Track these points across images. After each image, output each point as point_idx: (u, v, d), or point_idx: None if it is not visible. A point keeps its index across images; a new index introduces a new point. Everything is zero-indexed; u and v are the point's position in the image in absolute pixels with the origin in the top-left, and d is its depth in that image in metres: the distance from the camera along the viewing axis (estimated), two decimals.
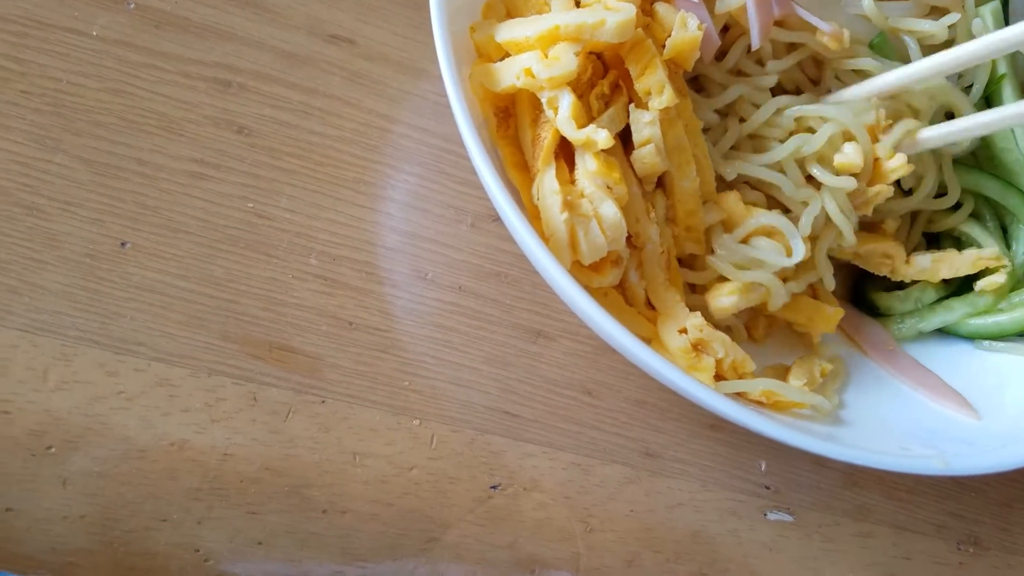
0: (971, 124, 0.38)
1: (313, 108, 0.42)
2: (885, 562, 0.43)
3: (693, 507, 0.40)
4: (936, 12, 0.43)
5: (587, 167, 0.35)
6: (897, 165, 0.40)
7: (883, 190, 0.40)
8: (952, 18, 0.42)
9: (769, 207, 0.40)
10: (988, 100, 0.44)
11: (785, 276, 0.40)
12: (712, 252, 0.39)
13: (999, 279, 0.42)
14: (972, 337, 0.44)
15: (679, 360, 0.36)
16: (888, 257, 0.43)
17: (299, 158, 0.41)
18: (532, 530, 0.38)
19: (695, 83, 0.42)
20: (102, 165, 0.39)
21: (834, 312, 0.41)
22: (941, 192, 0.45)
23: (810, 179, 0.40)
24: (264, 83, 0.42)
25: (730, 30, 0.41)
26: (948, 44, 0.42)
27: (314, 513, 0.36)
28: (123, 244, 0.38)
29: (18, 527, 0.33)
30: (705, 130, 0.40)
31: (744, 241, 0.39)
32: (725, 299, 0.38)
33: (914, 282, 0.44)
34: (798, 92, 0.43)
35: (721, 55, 0.41)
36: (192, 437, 0.36)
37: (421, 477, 0.38)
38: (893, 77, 0.39)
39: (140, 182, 0.39)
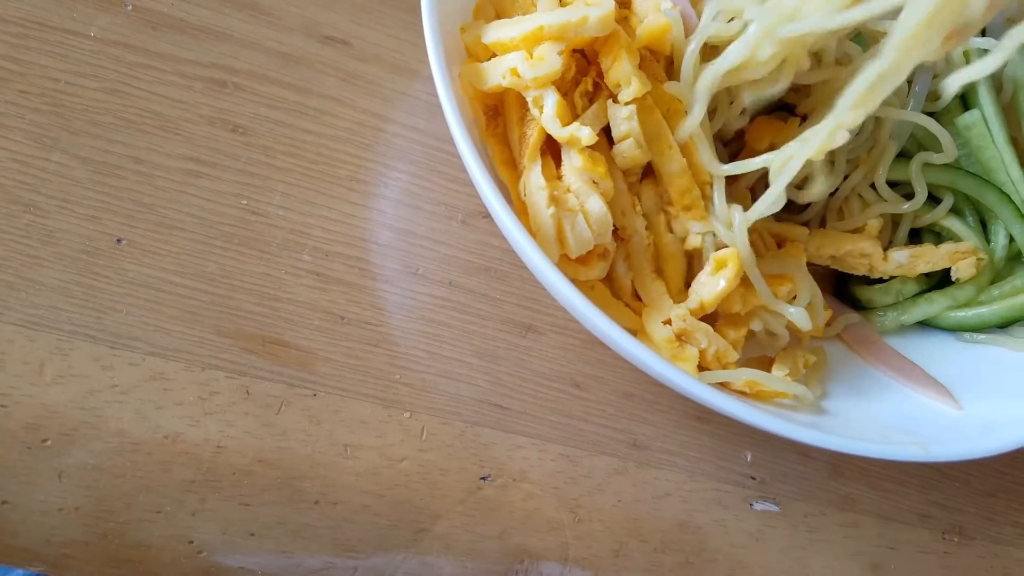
0: None
1: (308, 108, 0.42)
2: (870, 552, 0.43)
3: (680, 497, 0.40)
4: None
5: (573, 163, 0.35)
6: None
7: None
8: None
9: None
10: (964, 99, 0.44)
11: None
12: None
13: (970, 266, 0.42)
14: (953, 329, 0.44)
15: (663, 350, 0.36)
16: (865, 256, 0.43)
17: (293, 156, 0.41)
18: (521, 521, 0.38)
19: None
20: (99, 163, 0.39)
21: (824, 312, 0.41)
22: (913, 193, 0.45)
23: None
24: (259, 83, 0.42)
25: None
26: None
27: (306, 505, 0.36)
28: (119, 241, 0.38)
29: (13, 519, 0.33)
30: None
31: None
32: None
33: (894, 276, 0.44)
34: None
35: None
36: (186, 430, 0.36)
37: (411, 469, 0.38)
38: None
39: (136, 180, 0.39)
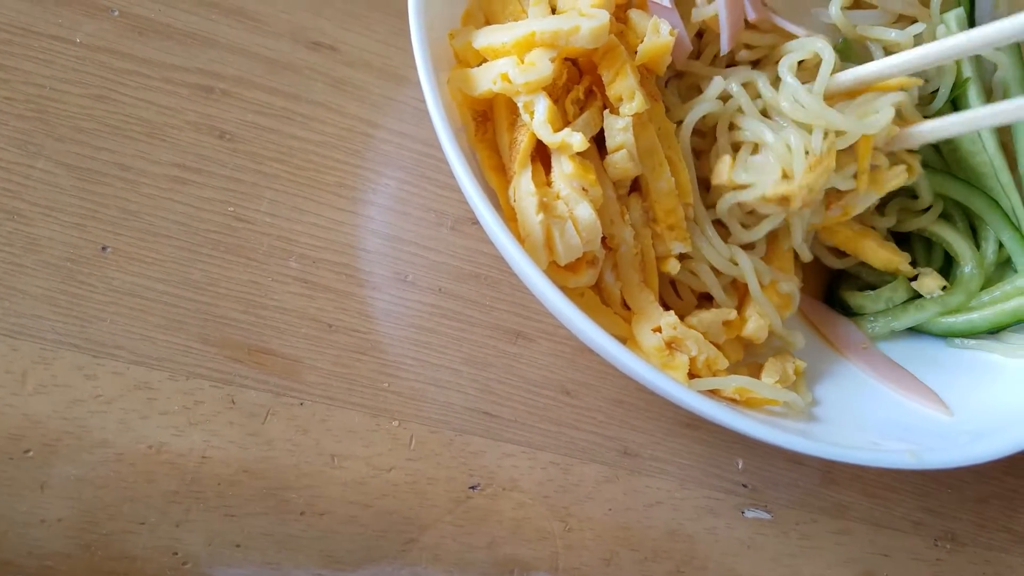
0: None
1: (295, 114, 0.42)
2: (863, 559, 0.42)
3: (671, 505, 0.40)
4: (903, 20, 0.43)
5: (563, 169, 0.34)
6: (897, 175, 0.40)
7: (869, 199, 0.40)
8: (918, 27, 0.41)
9: None
10: (955, 103, 0.44)
11: None
12: None
13: (931, 284, 0.43)
14: (944, 335, 0.44)
15: (653, 358, 0.35)
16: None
17: (281, 163, 0.40)
18: (511, 530, 0.37)
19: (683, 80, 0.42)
20: (84, 170, 0.38)
21: None
22: (912, 196, 0.45)
23: None
24: (247, 89, 0.41)
25: (704, 34, 0.41)
26: None
27: (292, 515, 0.35)
28: (104, 248, 0.37)
29: None
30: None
31: None
32: None
33: (885, 282, 0.44)
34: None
35: (697, 59, 0.41)
36: (170, 440, 0.35)
37: (399, 478, 0.37)
38: (852, 75, 0.39)
39: (122, 187, 0.38)
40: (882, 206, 0.45)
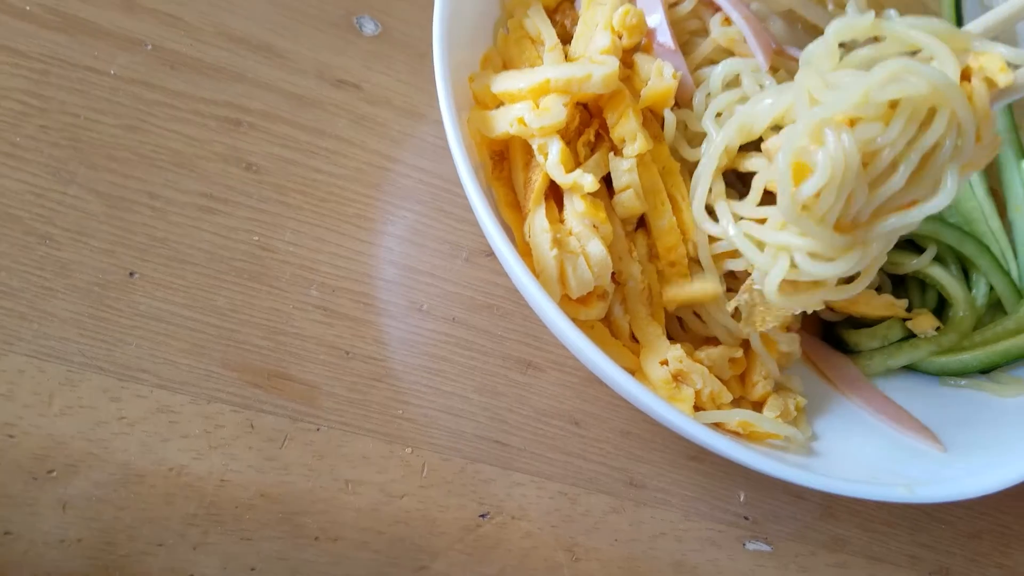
0: None
1: (319, 147, 0.43)
2: None
3: (675, 537, 0.40)
4: None
5: (575, 208, 0.36)
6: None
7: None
8: None
9: None
10: None
11: None
12: None
13: (925, 324, 0.44)
14: (938, 374, 0.45)
15: (660, 390, 0.36)
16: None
17: (304, 194, 0.41)
18: (519, 559, 0.38)
19: None
20: (115, 198, 0.39)
21: None
22: (908, 240, 0.46)
23: None
24: (273, 123, 0.43)
25: None
26: None
27: (306, 540, 0.36)
28: (132, 274, 0.38)
29: (16, 550, 0.32)
30: None
31: None
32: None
33: (881, 320, 0.45)
34: None
35: None
36: (190, 463, 0.35)
37: (412, 505, 0.37)
38: None
39: (150, 215, 0.39)
40: None
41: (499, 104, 0.38)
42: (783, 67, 0.40)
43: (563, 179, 0.36)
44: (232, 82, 0.43)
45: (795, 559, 0.42)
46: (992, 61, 0.30)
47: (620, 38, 0.38)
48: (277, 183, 0.41)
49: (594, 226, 0.36)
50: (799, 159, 0.31)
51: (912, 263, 0.46)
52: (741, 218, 0.36)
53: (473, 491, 0.38)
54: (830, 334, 0.47)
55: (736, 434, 0.38)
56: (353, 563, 0.36)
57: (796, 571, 0.41)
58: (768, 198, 0.35)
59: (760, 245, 0.35)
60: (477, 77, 0.39)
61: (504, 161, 0.39)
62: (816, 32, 0.41)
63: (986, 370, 0.44)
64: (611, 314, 0.38)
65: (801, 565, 0.42)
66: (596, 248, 0.36)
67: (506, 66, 0.40)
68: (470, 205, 0.34)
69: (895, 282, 0.47)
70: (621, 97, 0.37)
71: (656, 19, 0.39)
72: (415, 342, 0.40)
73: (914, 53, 0.32)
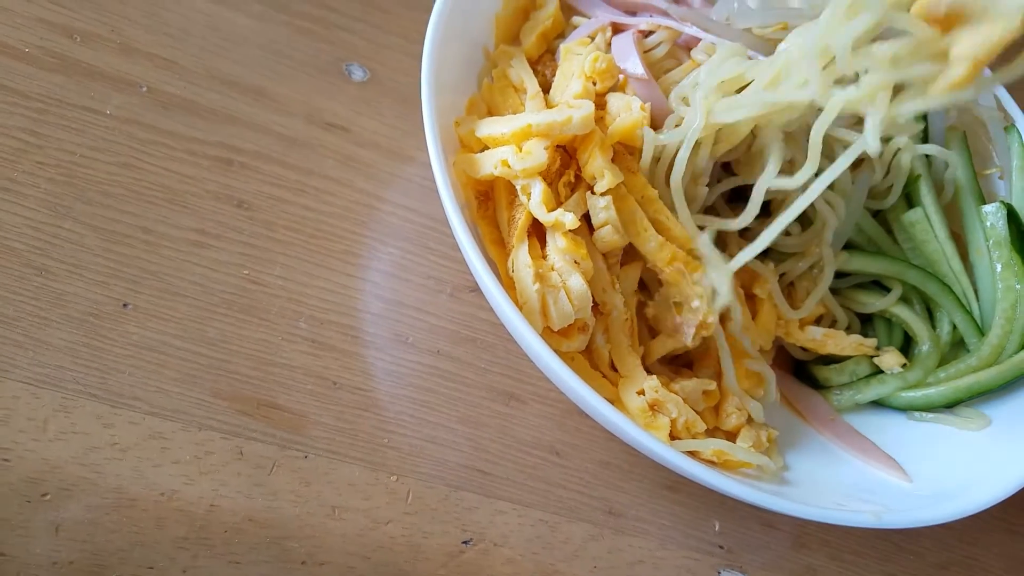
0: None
1: (308, 186, 0.48)
2: None
3: (652, 564, 0.44)
4: (861, 122, 0.51)
5: (557, 244, 0.41)
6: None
7: None
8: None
9: None
10: (908, 198, 0.52)
11: None
12: None
13: (892, 360, 0.49)
14: (904, 409, 0.50)
15: (638, 419, 0.41)
16: (782, 319, 0.49)
17: (293, 231, 0.46)
18: None
19: None
20: (109, 232, 0.43)
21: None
22: (874, 280, 0.52)
23: None
24: (264, 163, 0.48)
25: None
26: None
27: (293, 564, 0.39)
28: (125, 305, 0.42)
29: (9, 572, 0.35)
30: None
31: None
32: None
33: (849, 356, 0.50)
34: None
35: None
36: (181, 488, 0.39)
37: (396, 531, 0.41)
38: None
39: (144, 249, 0.43)
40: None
41: (484, 147, 0.44)
42: None
43: (545, 217, 0.41)
44: (224, 123, 0.48)
45: None
46: None
47: (594, 84, 0.44)
48: (267, 220, 0.46)
49: (575, 261, 0.41)
50: None
51: (878, 303, 0.52)
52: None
53: (456, 518, 0.42)
54: (801, 371, 0.52)
55: (711, 463, 0.42)
56: None
57: None
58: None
59: None
60: (463, 122, 0.45)
61: (488, 200, 0.45)
62: None
63: (950, 405, 0.49)
64: (593, 343, 0.43)
65: None
66: (577, 282, 0.41)
67: (490, 112, 0.46)
68: (456, 242, 0.39)
69: (862, 320, 0.53)
70: (591, 137, 0.43)
71: (631, 63, 0.45)
72: (400, 373, 0.45)
73: None
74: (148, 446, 0.39)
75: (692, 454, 0.42)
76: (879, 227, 0.53)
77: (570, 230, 0.41)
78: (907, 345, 0.52)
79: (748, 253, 0.37)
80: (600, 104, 0.45)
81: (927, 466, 0.46)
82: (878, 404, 0.51)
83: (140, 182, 0.45)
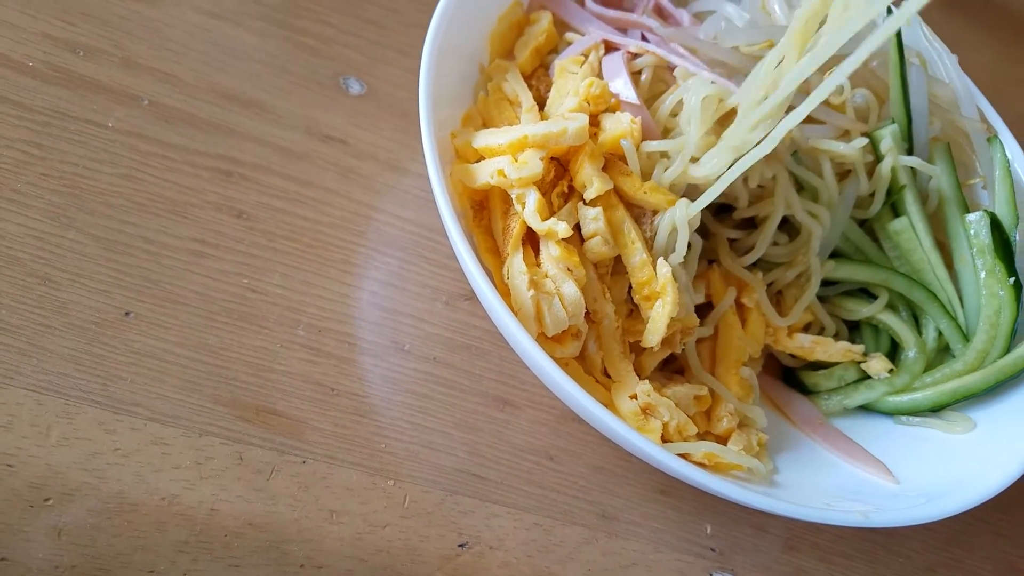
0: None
1: (307, 197, 0.49)
2: None
3: (645, 567, 0.45)
4: (848, 135, 0.53)
5: (551, 252, 0.42)
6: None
7: None
8: (861, 142, 0.51)
9: None
10: (894, 207, 0.53)
11: None
12: None
13: (879, 366, 0.51)
14: (892, 413, 0.51)
15: (630, 422, 0.42)
16: (771, 327, 0.50)
17: (292, 240, 0.47)
18: None
19: None
20: (111, 242, 0.44)
21: None
22: (862, 288, 0.53)
23: None
24: (263, 174, 0.49)
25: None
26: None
27: (292, 568, 0.40)
28: (127, 313, 0.43)
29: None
30: None
31: None
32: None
33: (837, 362, 0.51)
34: None
35: None
36: (182, 492, 0.40)
37: (393, 535, 0.42)
38: None
39: (145, 258, 0.44)
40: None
41: (480, 158, 0.45)
42: None
43: (539, 226, 0.42)
44: (224, 136, 0.49)
45: None
46: None
47: (588, 104, 0.45)
48: (266, 230, 0.47)
49: (568, 269, 0.42)
50: None
51: (865, 310, 0.53)
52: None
53: (452, 522, 0.43)
54: (790, 376, 0.54)
55: (702, 465, 0.43)
56: None
57: None
58: None
59: None
60: (459, 134, 0.46)
61: (484, 210, 0.46)
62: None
63: (936, 409, 0.51)
64: (586, 350, 0.44)
65: None
66: (570, 289, 0.42)
67: (485, 124, 0.47)
68: (452, 250, 0.40)
69: (850, 327, 0.54)
70: (582, 148, 0.44)
71: (620, 83, 0.46)
72: (397, 380, 0.46)
73: None
74: (149, 451, 0.40)
75: (683, 456, 0.43)
76: (865, 236, 0.54)
77: (563, 239, 0.42)
78: (894, 351, 0.54)
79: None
80: (594, 123, 0.46)
81: (913, 468, 0.47)
82: (866, 408, 0.52)
83: (142, 193, 0.46)
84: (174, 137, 0.48)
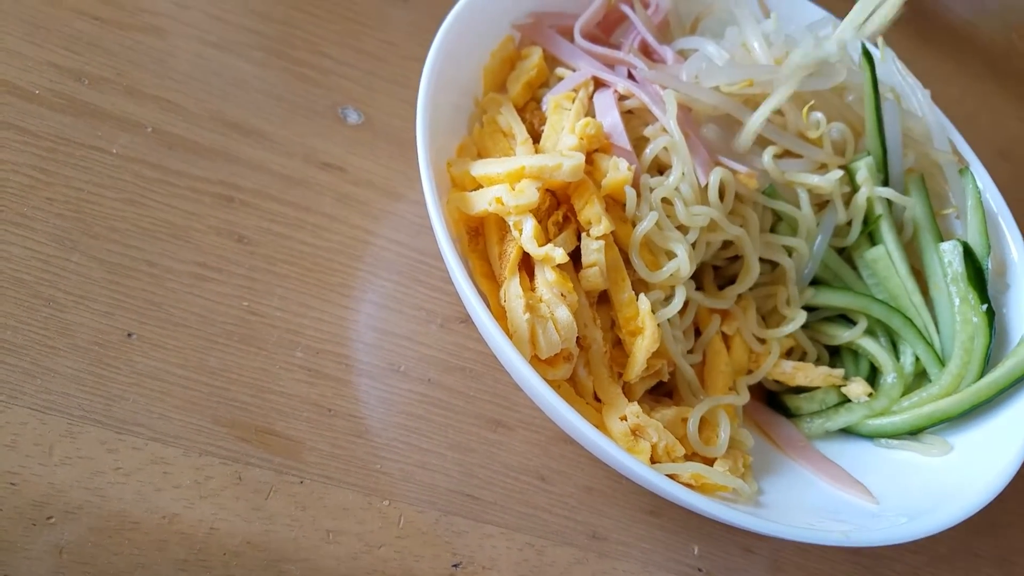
0: None
1: (306, 223, 0.50)
2: None
3: None
4: (825, 168, 0.55)
5: (546, 278, 0.44)
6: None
7: None
8: (836, 174, 0.53)
9: None
10: (871, 236, 0.56)
11: None
12: None
13: (858, 390, 0.53)
14: (871, 435, 0.53)
15: (620, 443, 0.43)
16: (755, 353, 0.53)
17: (291, 264, 0.49)
18: None
19: None
20: (115, 265, 0.45)
21: None
22: (841, 314, 0.56)
23: None
24: (263, 200, 0.50)
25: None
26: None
27: None
28: (129, 335, 0.44)
29: None
30: None
31: None
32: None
33: (818, 387, 0.53)
34: None
35: None
36: (182, 511, 0.40)
37: (389, 555, 0.43)
38: None
39: (148, 281, 0.46)
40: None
41: (477, 186, 0.47)
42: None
43: (536, 251, 0.44)
44: (226, 163, 0.51)
45: None
46: None
47: (583, 141, 0.47)
48: (266, 254, 0.49)
49: (562, 294, 0.44)
50: None
51: (845, 335, 0.55)
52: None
53: (447, 542, 0.44)
54: (773, 400, 0.55)
55: (689, 486, 0.45)
56: None
57: None
58: None
59: None
60: (455, 163, 0.48)
61: (479, 236, 0.47)
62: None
63: (914, 432, 0.52)
64: (576, 375, 0.46)
65: None
66: (563, 314, 0.43)
67: (480, 155, 0.49)
68: (447, 274, 0.42)
69: (831, 352, 0.56)
70: (586, 186, 0.46)
71: (611, 124, 0.48)
72: (393, 401, 0.47)
73: None
74: (150, 471, 0.41)
75: (672, 477, 0.44)
76: (844, 263, 0.56)
77: (558, 264, 0.44)
78: (873, 375, 0.56)
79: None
80: (588, 160, 0.48)
81: (893, 490, 0.49)
82: (847, 432, 0.54)
83: (145, 218, 0.47)
84: (177, 163, 0.50)
